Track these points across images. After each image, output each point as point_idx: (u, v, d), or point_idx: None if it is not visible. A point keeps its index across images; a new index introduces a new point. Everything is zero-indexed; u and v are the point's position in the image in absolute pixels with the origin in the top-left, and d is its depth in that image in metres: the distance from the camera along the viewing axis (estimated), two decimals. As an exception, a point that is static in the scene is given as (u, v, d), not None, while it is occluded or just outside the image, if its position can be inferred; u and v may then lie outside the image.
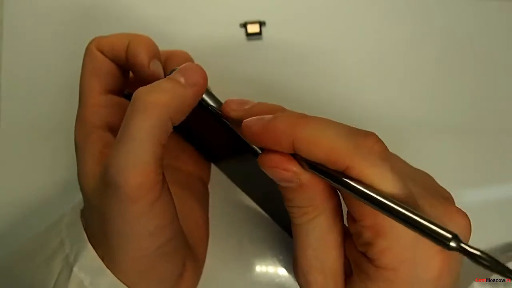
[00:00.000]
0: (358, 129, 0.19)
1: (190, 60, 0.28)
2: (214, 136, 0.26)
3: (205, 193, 0.30)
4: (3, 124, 0.33)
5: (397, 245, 0.18)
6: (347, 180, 0.18)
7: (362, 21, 0.35)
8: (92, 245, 0.22)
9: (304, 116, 0.19)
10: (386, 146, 0.19)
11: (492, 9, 0.35)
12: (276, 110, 0.21)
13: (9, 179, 0.32)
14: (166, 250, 0.22)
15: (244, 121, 0.20)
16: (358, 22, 0.35)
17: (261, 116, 0.20)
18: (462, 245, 0.15)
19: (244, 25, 0.34)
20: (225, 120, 0.23)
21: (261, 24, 0.34)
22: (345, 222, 0.21)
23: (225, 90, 0.33)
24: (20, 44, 0.34)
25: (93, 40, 0.24)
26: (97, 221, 0.22)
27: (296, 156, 0.19)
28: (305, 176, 0.19)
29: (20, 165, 0.33)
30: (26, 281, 0.23)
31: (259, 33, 0.34)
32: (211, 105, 0.23)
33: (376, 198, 0.17)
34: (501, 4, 0.35)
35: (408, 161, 0.23)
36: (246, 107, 0.22)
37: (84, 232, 0.22)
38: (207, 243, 0.29)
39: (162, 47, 0.27)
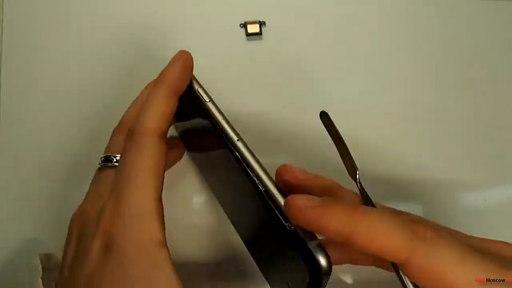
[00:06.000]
0: (408, 218, 0.19)
1: None
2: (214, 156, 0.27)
3: None
4: (3, 124, 0.33)
5: None
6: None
7: (362, 21, 0.35)
8: None
9: (358, 209, 0.19)
10: (436, 227, 0.19)
11: (492, 9, 0.35)
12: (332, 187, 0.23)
13: (9, 180, 0.32)
14: None
15: (290, 198, 0.20)
16: (358, 22, 0.35)
17: (311, 197, 0.19)
18: None
19: (244, 25, 0.34)
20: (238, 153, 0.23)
21: (261, 24, 0.34)
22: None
23: (225, 90, 0.33)
24: (20, 44, 0.34)
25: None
26: None
27: None
28: None
29: (19, 165, 0.33)
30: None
31: (259, 33, 0.34)
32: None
33: None
34: (500, 4, 0.35)
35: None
36: (303, 176, 0.23)
37: None
38: None
39: (162, 47, 0.27)
